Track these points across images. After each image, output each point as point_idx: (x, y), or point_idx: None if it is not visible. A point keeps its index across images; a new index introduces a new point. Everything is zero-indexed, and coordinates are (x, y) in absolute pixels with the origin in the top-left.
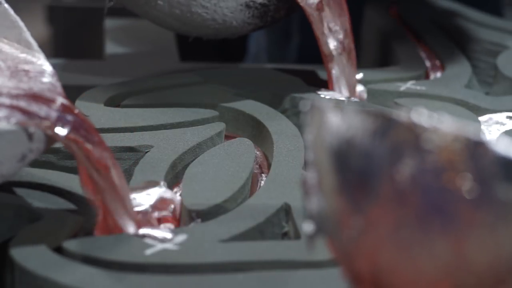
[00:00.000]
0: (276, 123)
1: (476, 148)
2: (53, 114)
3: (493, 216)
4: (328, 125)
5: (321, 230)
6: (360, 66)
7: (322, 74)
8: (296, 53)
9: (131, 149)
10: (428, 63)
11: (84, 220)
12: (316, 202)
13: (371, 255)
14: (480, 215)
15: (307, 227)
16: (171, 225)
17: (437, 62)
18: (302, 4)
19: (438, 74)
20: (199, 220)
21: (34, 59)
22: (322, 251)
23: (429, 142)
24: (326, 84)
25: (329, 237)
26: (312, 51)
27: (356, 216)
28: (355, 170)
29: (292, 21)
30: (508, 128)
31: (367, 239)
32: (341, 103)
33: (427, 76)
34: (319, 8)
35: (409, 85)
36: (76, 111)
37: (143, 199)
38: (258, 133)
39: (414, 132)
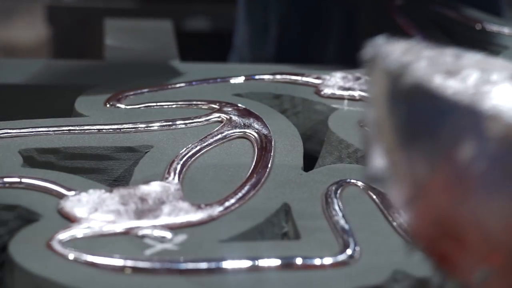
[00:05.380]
0: (276, 123)
1: None
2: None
3: None
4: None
5: (379, 181)
6: (359, 65)
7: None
8: (274, 45)
9: (131, 149)
10: None
11: None
12: (377, 155)
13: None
14: None
15: (369, 172)
16: None
17: None
18: None
19: None
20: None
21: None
22: (322, 252)
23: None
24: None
25: (387, 189)
26: (290, 43)
27: (413, 174)
28: (415, 126)
29: (270, 12)
30: None
31: (425, 197)
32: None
33: None
34: None
35: None
36: None
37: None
38: None
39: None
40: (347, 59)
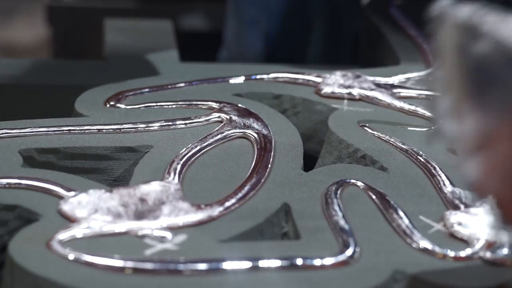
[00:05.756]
0: (276, 123)
1: None
2: None
3: None
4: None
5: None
6: (359, 65)
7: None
8: (262, 40)
9: (131, 149)
10: (427, 61)
11: None
12: (445, 107)
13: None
14: None
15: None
16: None
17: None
18: None
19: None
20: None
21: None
22: (322, 252)
23: None
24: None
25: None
26: (278, 38)
27: (481, 124)
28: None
29: (258, 8)
30: None
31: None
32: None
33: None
34: None
35: (409, 84)
36: None
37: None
38: None
39: None
40: (334, 56)
